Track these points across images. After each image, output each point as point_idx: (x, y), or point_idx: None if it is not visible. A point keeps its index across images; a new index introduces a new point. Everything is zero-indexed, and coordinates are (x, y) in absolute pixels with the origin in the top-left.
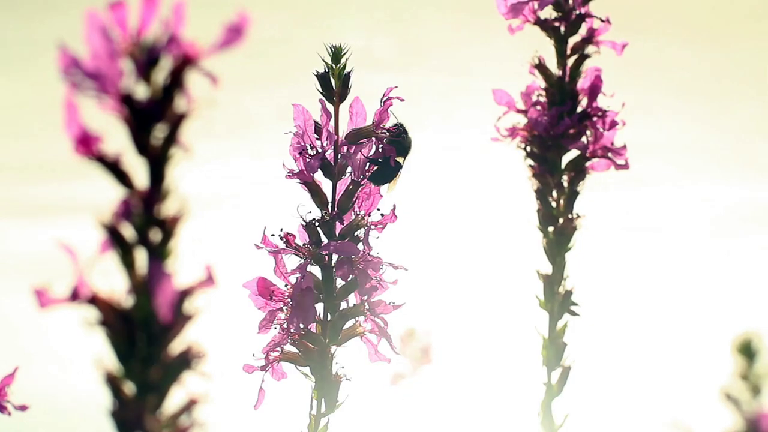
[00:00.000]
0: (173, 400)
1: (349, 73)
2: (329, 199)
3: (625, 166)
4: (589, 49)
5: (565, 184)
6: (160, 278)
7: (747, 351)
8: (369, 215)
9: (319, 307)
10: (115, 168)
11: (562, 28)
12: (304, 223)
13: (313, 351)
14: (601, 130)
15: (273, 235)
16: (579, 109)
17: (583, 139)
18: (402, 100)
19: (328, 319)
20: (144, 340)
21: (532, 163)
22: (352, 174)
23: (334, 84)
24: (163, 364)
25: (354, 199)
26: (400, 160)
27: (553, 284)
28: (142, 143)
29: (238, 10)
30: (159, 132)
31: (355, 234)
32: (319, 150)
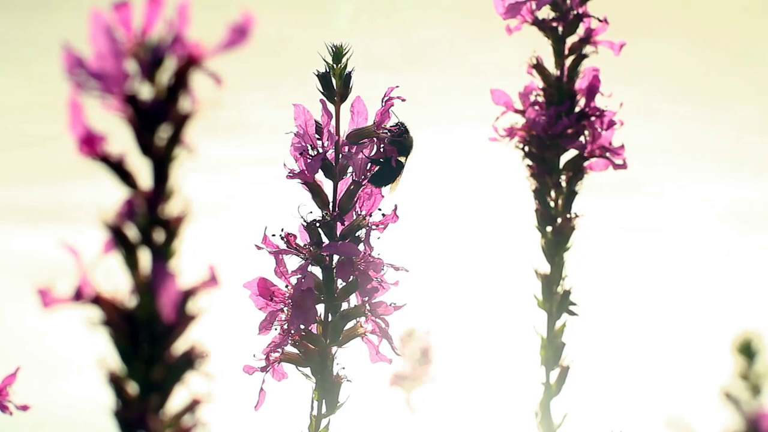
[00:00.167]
0: (176, 400)
1: (350, 72)
2: (330, 199)
3: (623, 166)
4: (587, 49)
5: (564, 184)
6: (163, 278)
7: (747, 351)
8: (370, 216)
9: (320, 308)
10: (119, 168)
11: (560, 28)
12: (305, 224)
13: (314, 352)
14: (599, 129)
15: (274, 235)
16: (577, 109)
17: (581, 139)
18: (403, 100)
19: (329, 319)
20: (147, 340)
21: (530, 162)
22: (353, 174)
23: (335, 84)
24: (166, 364)
25: (355, 200)
26: (401, 160)
27: (552, 284)
28: (146, 143)
29: (243, 11)
30: (163, 132)
31: (356, 234)
32: (320, 150)
